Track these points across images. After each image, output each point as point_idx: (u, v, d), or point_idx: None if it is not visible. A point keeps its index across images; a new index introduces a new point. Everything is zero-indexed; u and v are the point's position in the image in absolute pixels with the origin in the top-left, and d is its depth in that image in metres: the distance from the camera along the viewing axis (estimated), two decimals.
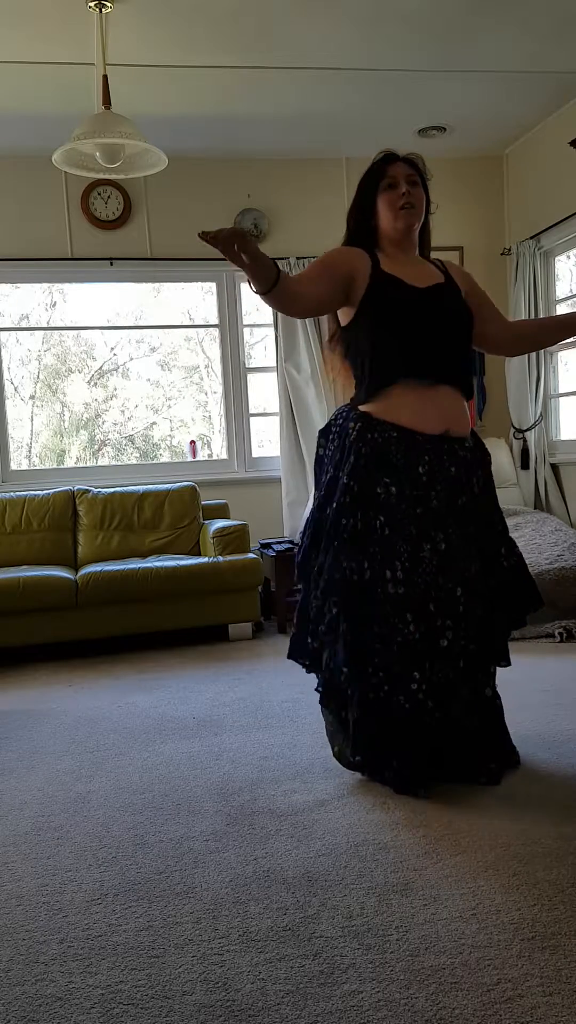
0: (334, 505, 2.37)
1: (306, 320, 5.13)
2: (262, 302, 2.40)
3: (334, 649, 2.37)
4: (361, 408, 2.42)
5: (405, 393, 2.36)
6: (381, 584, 2.30)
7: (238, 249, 2.13)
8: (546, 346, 2.73)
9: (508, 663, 2.52)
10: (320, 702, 2.53)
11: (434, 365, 2.37)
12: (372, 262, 2.43)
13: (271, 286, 2.25)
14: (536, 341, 2.67)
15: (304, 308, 2.43)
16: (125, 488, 5.05)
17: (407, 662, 2.30)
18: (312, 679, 2.59)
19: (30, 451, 5.90)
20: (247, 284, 2.29)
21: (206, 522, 5.00)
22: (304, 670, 2.55)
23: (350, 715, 2.39)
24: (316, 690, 2.53)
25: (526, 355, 5.14)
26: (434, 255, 2.62)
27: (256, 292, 2.28)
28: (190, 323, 5.79)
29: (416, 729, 2.32)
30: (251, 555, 4.63)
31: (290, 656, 2.54)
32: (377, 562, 2.31)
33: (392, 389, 2.37)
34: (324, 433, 2.50)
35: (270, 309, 5.26)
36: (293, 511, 5.30)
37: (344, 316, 2.49)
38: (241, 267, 2.20)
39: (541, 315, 5.13)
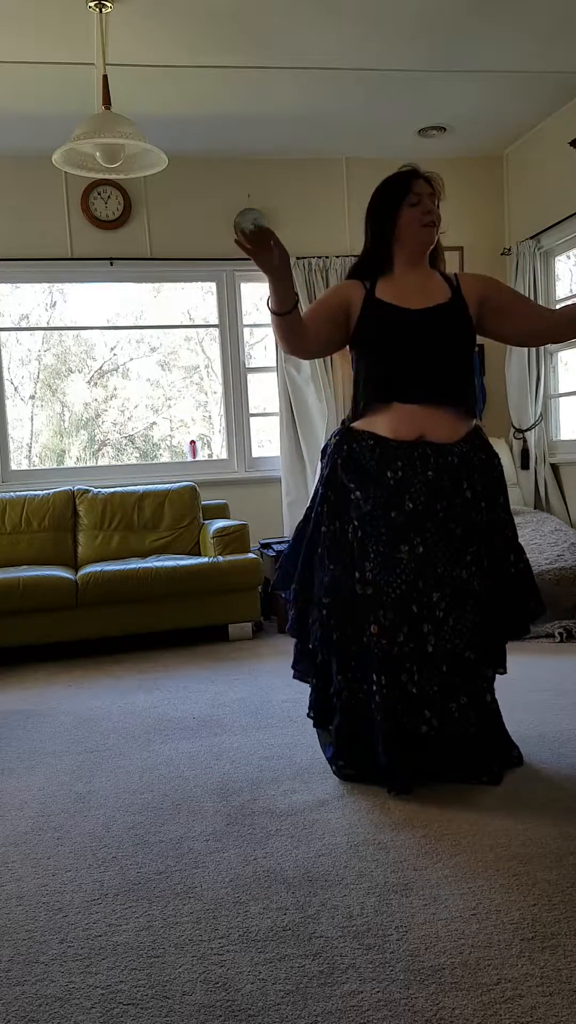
0: (313, 515, 2.50)
1: None
2: (262, 306, 2.44)
3: (328, 659, 2.44)
4: (348, 424, 2.52)
5: (387, 408, 2.42)
6: (353, 584, 2.37)
7: (274, 244, 2.21)
8: None
9: (503, 670, 2.52)
10: (315, 725, 2.61)
11: (419, 387, 2.40)
12: (368, 290, 2.48)
13: (290, 308, 2.35)
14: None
15: (308, 344, 2.50)
16: (125, 488, 5.05)
17: (369, 665, 2.35)
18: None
19: (30, 451, 5.90)
20: (266, 303, 2.36)
21: (206, 522, 5.00)
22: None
23: (335, 721, 2.46)
24: (308, 715, 2.62)
25: (526, 355, 5.15)
26: None
27: (273, 310, 2.36)
28: (190, 323, 5.79)
29: (390, 730, 2.33)
30: (251, 555, 4.63)
31: (296, 677, 2.66)
32: (350, 564, 2.38)
33: (375, 407, 2.44)
34: (322, 453, 2.59)
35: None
36: (293, 511, 5.30)
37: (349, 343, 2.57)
38: (268, 274, 2.28)
39: None
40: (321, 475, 2.52)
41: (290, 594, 2.54)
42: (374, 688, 2.34)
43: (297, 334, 2.44)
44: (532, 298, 5.15)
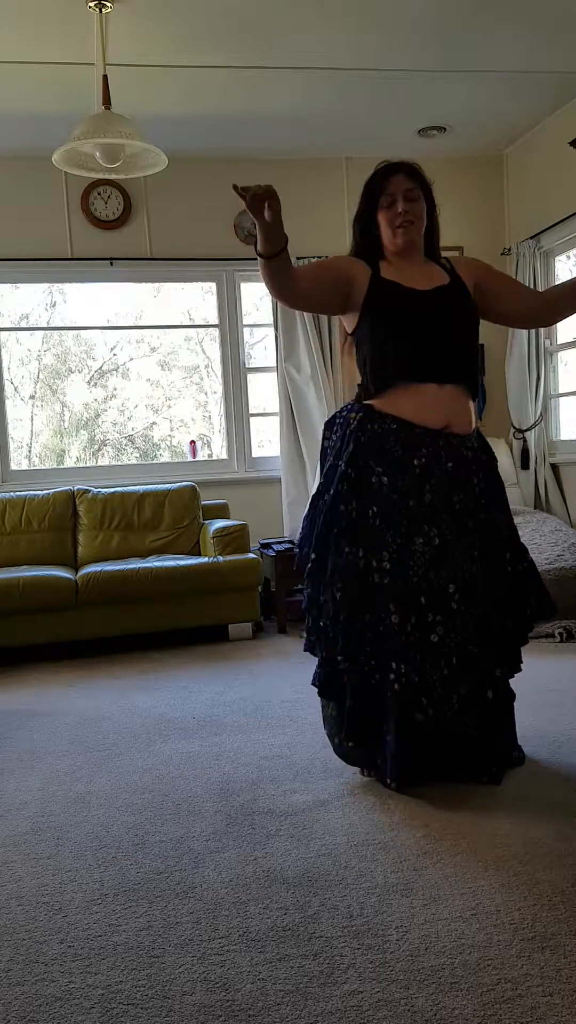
0: (331, 492, 2.41)
1: (306, 320, 5.13)
2: (262, 305, 2.42)
3: (335, 636, 2.38)
4: (366, 402, 2.46)
5: (407, 390, 2.39)
6: (370, 572, 2.33)
7: (269, 206, 2.18)
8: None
9: (517, 671, 2.51)
10: (320, 694, 2.53)
11: (434, 366, 2.39)
12: (373, 271, 2.46)
13: (278, 251, 2.28)
14: (569, 304, 2.57)
15: (298, 292, 2.43)
16: (125, 488, 5.05)
17: (389, 652, 2.31)
18: (311, 678, 2.59)
19: (30, 451, 5.90)
20: (253, 246, 2.32)
21: (206, 522, 5.00)
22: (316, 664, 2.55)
23: (347, 702, 2.41)
24: (313, 684, 2.53)
25: (526, 355, 5.14)
26: None
27: (261, 253, 2.30)
28: (190, 323, 5.79)
29: (404, 719, 2.32)
30: (251, 555, 4.63)
31: (307, 648, 2.55)
32: (368, 551, 2.34)
33: (393, 388, 2.40)
34: (329, 425, 2.54)
35: (270, 309, 5.27)
36: (293, 511, 5.30)
37: (349, 322, 2.53)
38: (259, 223, 2.24)
39: None
40: (334, 449, 2.45)
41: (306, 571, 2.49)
42: (392, 676, 2.30)
43: (284, 280, 2.37)
44: None
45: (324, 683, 2.48)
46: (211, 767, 2.68)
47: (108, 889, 1.93)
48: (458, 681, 2.35)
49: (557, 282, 5.22)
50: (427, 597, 2.31)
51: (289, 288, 2.39)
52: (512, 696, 2.51)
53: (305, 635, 2.53)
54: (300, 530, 2.57)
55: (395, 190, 2.42)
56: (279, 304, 5.13)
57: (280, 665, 4.01)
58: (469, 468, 2.40)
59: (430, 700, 2.33)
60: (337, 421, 2.50)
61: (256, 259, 2.34)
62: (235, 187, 2.16)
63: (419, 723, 2.33)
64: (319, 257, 5.18)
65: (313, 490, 2.63)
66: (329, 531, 2.40)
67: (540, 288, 5.17)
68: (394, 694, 2.31)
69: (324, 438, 2.54)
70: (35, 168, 5.01)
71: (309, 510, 2.54)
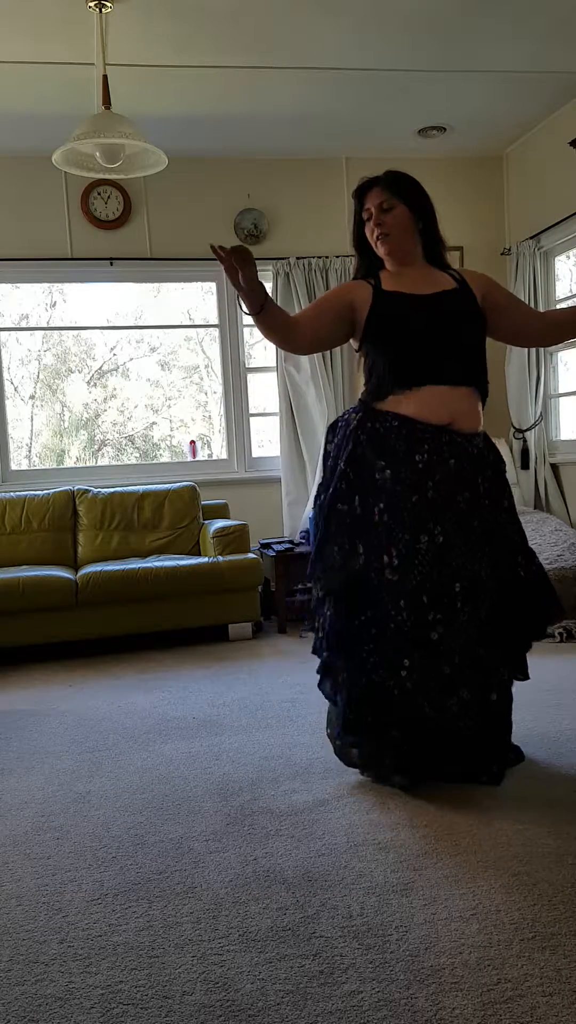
0: (330, 491, 2.42)
1: None
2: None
3: (332, 635, 2.38)
4: (368, 404, 2.47)
5: (409, 392, 2.39)
6: (377, 569, 2.32)
7: (241, 270, 2.23)
8: None
9: (525, 676, 2.50)
10: (319, 685, 2.52)
11: (439, 370, 2.39)
12: (374, 285, 2.49)
13: (259, 307, 2.35)
14: (570, 331, 2.60)
15: (301, 339, 2.50)
16: (125, 488, 5.05)
17: (399, 648, 2.30)
18: (311, 677, 2.60)
19: (30, 451, 5.89)
20: (238, 305, 2.38)
21: (206, 522, 5.00)
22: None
23: (339, 697, 2.40)
24: (317, 672, 2.53)
25: (526, 355, 5.15)
26: None
27: (246, 312, 2.39)
28: (190, 323, 5.79)
29: (409, 717, 2.32)
30: (251, 555, 4.63)
31: (314, 650, 2.54)
32: (375, 547, 2.33)
33: (404, 392, 2.40)
34: (331, 428, 2.55)
35: None
36: (293, 511, 5.30)
37: (356, 338, 2.55)
38: (235, 286, 2.31)
39: None
40: (335, 451, 2.47)
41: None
42: (403, 673, 2.29)
43: (283, 330, 2.44)
44: (532, 298, 5.16)
45: (324, 681, 2.48)
46: (211, 767, 2.68)
47: (108, 889, 1.93)
48: (460, 682, 2.35)
49: (556, 282, 5.22)
50: (428, 595, 2.31)
51: (292, 337, 2.47)
52: (511, 697, 2.51)
53: (313, 635, 2.53)
54: (308, 532, 2.59)
55: (370, 205, 2.47)
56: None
57: (280, 665, 4.01)
58: (474, 467, 2.40)
59: (430, 700, 2.32)
60: (339, 424, 2.52)
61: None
62: (212, 247, 2.26)
63: (421, 723, 2.32)
64: (319, 257, 5.20)
65: (314, 491, 2.64)
66: (327, 530, 2.41)
67: (539, 288, 5.18)
68: (401, 692, 2.30)
69: (327, 441, 2.55)
70: (35, 168, 5.01)
71: (313, 521, 2.55)
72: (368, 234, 2.50)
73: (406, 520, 2.31)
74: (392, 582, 2.30)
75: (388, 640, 2.31)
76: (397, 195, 2.46)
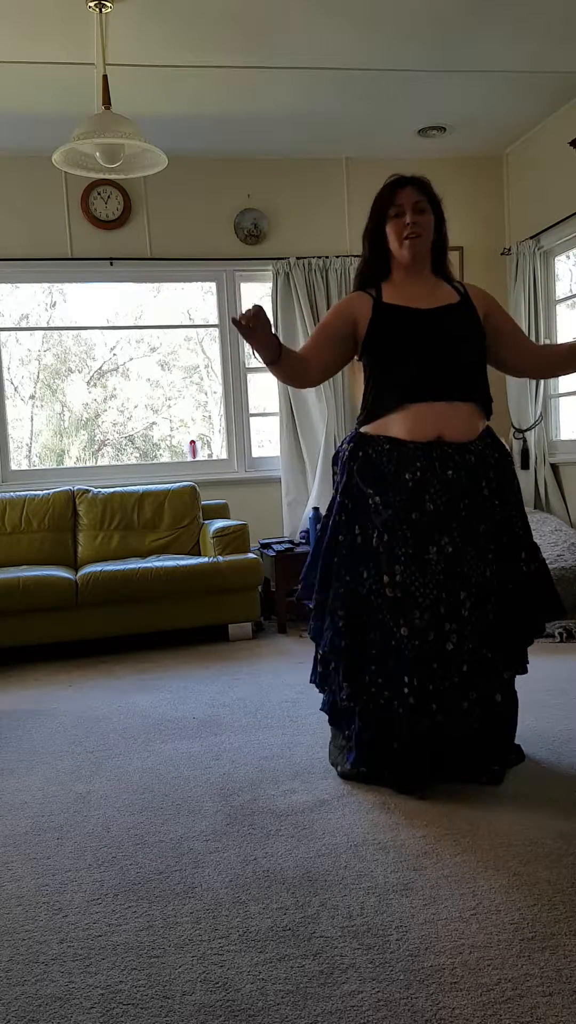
0: (331, 522, 2.48)
1: (306, 319, 5.13)
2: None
3: (337, 665, 2.42)
4: (360, 429, 2.50)
5: (402, 411, 2.41)
6: (378, 591, 2.35)
7: (254, 329, 2.26)
8: (569, 372, 2.69)
9: (524, 671, 2.51)
10: (330, 722, 2.61)
11: (436, 386, 2.40)
12: (375, 297, 2.49)
13: (276, 356, 2.37)
14: (562, 367, 2.63)
15: (313, 373, 2.53)
16: (125, 488, 5.05)
17: (401, 667, 2.32)
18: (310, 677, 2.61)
19: (30, 451, 5.89)
20: (252, 355, 2.42)
21: (206, 522, 5.00)
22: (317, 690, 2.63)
23: (353, 728, 2.44)
24: (322, 709, 2.61)
25: None
26: None
27: (264, 363, 2.41)
28: (190, 323, 5.79)
29: (413, 732, 2.32)
30: (251, 555, 4.63)
31: (311, 680, 2.62)
32: (373, 571, 2.37)
33: (391, 410, 2.42)
34: (334, 461, 2.59)
35: (270, 309, 5.27)
36: (293, 511, 5.30)
37: (356, 353, 2.56)
38: (250, 343, 2.34)
39: (540, 315, 5.14)
40: (337, 483, 2.52)
41: (312, 603, 2.54)
42: (406, 690, 2.30)
43: (299, 372, 2.49)
44: (532, 298, 5.16)
45: (331, 711, 2.55)
46: (211, 767, 2.68)
47: (108, 889, 1.93)
48: (469, 686, 2.36)
49: (556, 282, 5.22)
50: (445, 607, 2.32)
51: (306, 376, 2.52)
52: (516, 698, 2.51)
53: (312, 665, 2.59)
54: (308, 532, 2.64)
55: (404, 202, 2.44)
56: (278, 311, 5.16)
57: (280, 665, 4.01)
58: (474, 473, 2.40)
59: (440, 707, 2.33)
60: (339, 455, 2.55)
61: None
62: (232, 320, 2.29)
63: (426, 730, 2.33)
64: (318, 257, 5.19)
65: (314, 491, 2.66)
66: (330, 561, 2.45)
67: (539, 288, 5.18)
68: (406, 707, 2.31)
69: (333, 474, 2.60)
70: (35, 168, 5.01)
71: (312, 550, 2.61)
72: (392, 230, 2.46)
73: (408, 536, 2.33)
74: (395, 599, 2.32)
75: (390, 660, 2.34)
76: (429, 200, 2.47)
